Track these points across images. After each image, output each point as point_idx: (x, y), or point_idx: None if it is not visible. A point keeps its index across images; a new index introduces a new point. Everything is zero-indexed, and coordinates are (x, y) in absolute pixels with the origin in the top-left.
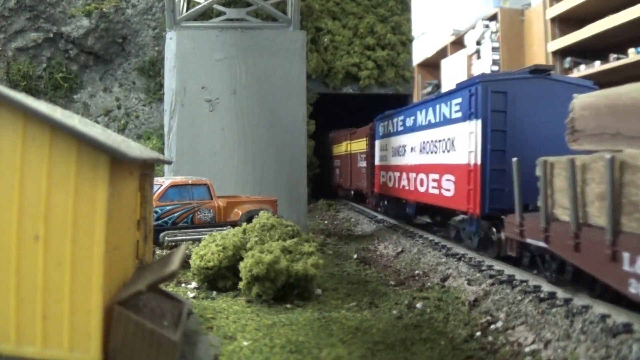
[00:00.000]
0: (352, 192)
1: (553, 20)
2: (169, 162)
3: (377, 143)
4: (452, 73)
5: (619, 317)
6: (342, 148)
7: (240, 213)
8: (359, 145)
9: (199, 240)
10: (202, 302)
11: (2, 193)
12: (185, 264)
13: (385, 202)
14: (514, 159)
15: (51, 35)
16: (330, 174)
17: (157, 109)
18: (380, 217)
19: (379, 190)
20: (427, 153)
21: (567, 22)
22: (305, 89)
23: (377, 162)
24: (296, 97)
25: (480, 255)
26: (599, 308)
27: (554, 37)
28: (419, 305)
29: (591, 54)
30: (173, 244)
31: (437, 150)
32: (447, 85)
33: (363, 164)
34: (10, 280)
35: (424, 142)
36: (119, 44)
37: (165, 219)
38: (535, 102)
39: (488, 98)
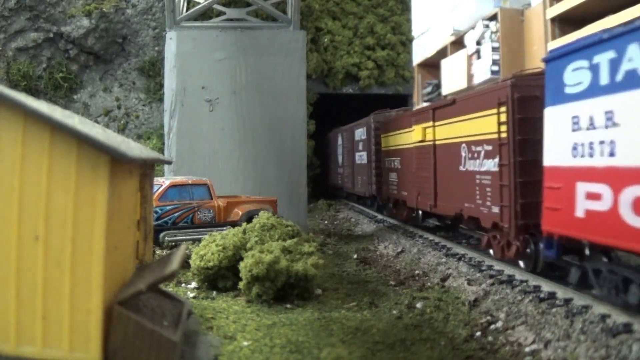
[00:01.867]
0: (421, 213)
1: (553, 20)
2: (169, 162)
3: (558, 113)
4: (452, 73)
5: (619, 317)
6: (405, 138)
7: (240, 213)
8: (471, 126)
9: (199, 240)
10: (202, 302)
11: (2, 193)
12: (185, 264)
13: (583, 257)
14: None
15: (51, 35)
16: (327, 174)
17: (157, 109)
18: (380, 217)
19: (571, 229)
20: None
21: (567, 22)
22: (305, 89)
23: (557, 160)
24: (296, 97)
25: (480, 255)
26: (599, 308)
27: (554, 37)
28: (419, 305)
29: None
30: (173, 244)
31: None
32: (447, 85)
33: (485, 164)
34: (10, 281)
35: None
36: (119, 44)
37: (165, 219)
38: None
39: None
